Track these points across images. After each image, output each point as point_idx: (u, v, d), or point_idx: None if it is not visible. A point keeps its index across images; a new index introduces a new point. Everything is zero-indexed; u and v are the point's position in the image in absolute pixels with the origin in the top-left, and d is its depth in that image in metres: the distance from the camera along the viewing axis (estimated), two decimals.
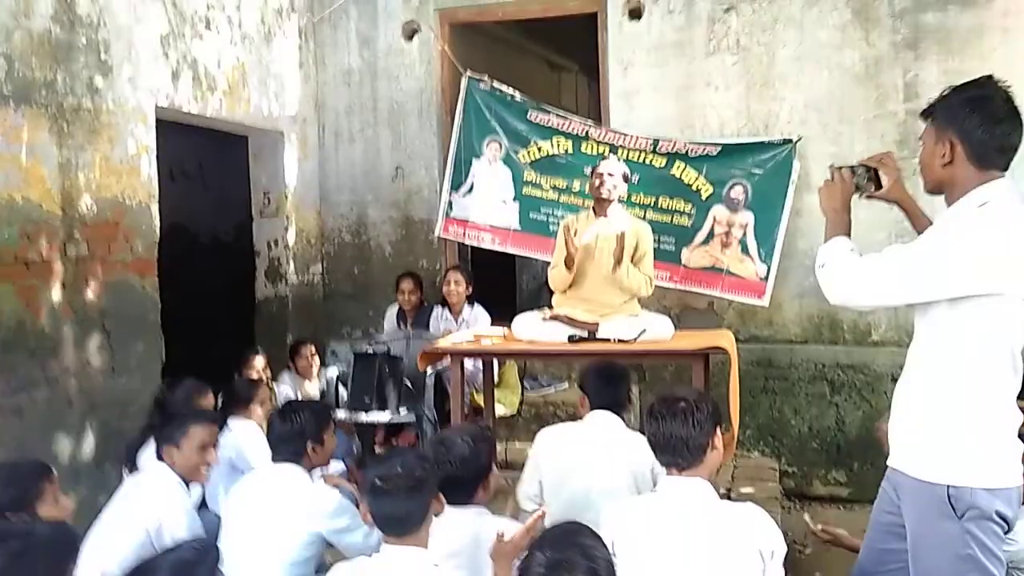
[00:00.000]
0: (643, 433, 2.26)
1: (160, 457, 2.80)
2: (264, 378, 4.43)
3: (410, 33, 5.81)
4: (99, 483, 3.82)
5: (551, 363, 5.23)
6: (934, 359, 2.08)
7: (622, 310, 4.05)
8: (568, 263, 4.06)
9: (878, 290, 2.09)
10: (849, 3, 5.08)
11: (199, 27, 4.75)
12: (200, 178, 5.25)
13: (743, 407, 3.97)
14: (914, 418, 2.12)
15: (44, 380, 3.70)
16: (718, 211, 5.07)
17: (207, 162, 5.31)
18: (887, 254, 2.08)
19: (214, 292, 5.27)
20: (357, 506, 2.63)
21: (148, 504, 2.65)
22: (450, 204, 5.49)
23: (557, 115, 5.28)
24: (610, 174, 4.12)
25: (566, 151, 5.24)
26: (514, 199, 5.38)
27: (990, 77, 2.08)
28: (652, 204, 5.13)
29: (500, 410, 4.81)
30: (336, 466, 3.68)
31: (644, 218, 5.00)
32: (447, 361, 4.16)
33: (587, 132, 5.22)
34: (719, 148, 5.05)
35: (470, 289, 5.17)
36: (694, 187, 5.08)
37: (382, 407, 4.36)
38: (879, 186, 2.32)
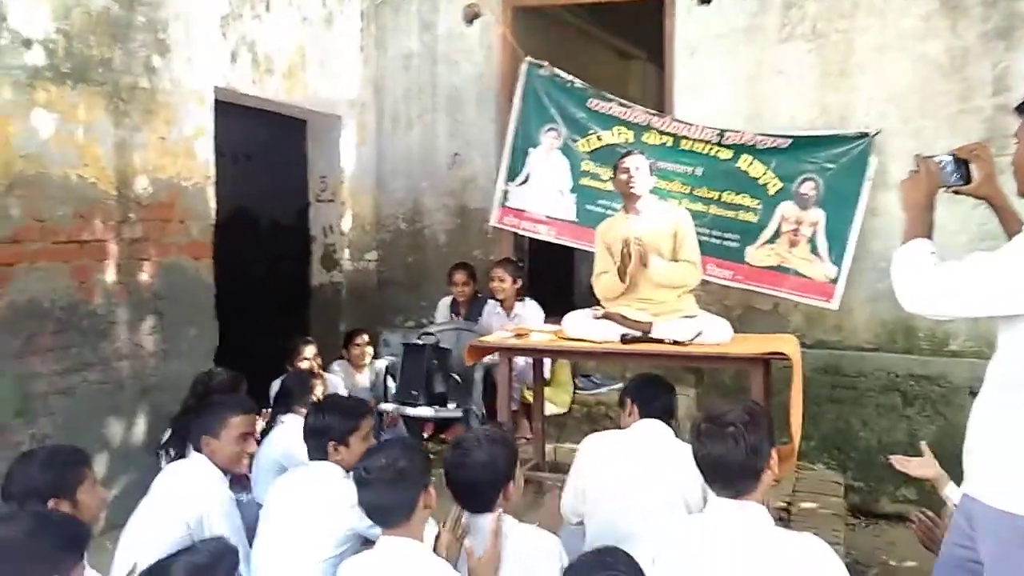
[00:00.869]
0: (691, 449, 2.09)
1: (198, 448, 2.75)
2: (314, 367, 4.38)
3: (471, 17, 5.69)
4: (150, 468, 3.82)
5: (604, 362, 5.07)
6: (1019, 378, 1.91)
7: (678, 308, 3.88)
8: (620, 276, 3.90)
9: (958, 300, 1.93)
10: None
11: (259, 8, 4.73)
12: (258, 161, 5.24)
13: (807, 416, 3.76)
14: (994, 442, 1.94)
15: (97, 362, 3.73)
16: (786, 208, 4.83)
17: (265, 145, 5.30)
18: (970, 261, 1.92)
19: (270, 277, 5.27)
20: None
21: (188, 497, 2.61)
22: (506, 193, 5.37)
23: (619, 103, 5.11)
24: (637, 168, 3.95)
25: (627, 141, 5.06)
26: (571, 190, 5.24)
27: None
28: (716, 199, 4.92)
29: (551, 408, 4.68)
30: None
31: (706, 214, 4.81)
32: (497, 356, 4.06)
33: (649, 122, 5.04)
34: (790, 141, 4.81)
35: (518, 283, 5.04)
36: (761, 182, 4.85)
37: (430, 401, 4.28)
38: (968, 180, 2.13)
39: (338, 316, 5.60)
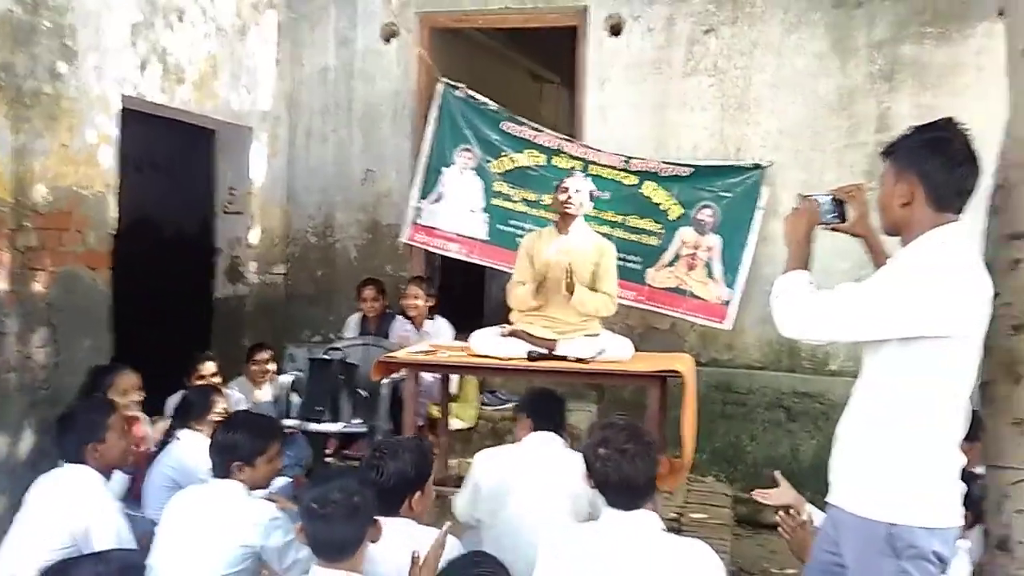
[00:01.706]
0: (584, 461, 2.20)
1: (78, 458, 2.70)
2: (212, 384, 4.30)
3: (388, 35, 5.75)
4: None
5: (510, 378, 5.16)
6: (881, 397, 2.07)
7: (581, 328, 4.00)
8: (536, 288, 4.00)
9: (830, 326, 2.08)
10: (828, 32, 5.10)
11: (171, 17, 4.66)
12: (165, 171, 5.14)
13: (700, 431, 3.94)
14: (857, 455, 2.10)
15: None
16: (686, 233, 5.06)
17: (172, 155, 5.20)
18: (840, 291, 2.07)
19: (172, 288, 5.14)
20: None
21: (72, 507, 2.55)
22: (418, 211, 5.43)
23: (531, 127, 5.24)
24: (577, 190, 4.06)
25: (538, 164, 5.20)
26: (483, 209, 5.34)
27: (950, 119, 2.08)
28: (621, 223, 5.11)
29: (457, 424, 4.74)
30: (280, 482, 3.48)
31: (612, 237, 4.97)
32: (404, 372, 4.09)
33: (560, 146, 5.19)
34: (691, 169, 5.05)
35: (431, 302, 5.09)
36: (663, 207, 5.07)
37: (335, 417, 4.27)
38: (844, 219, 2.29)
39: (241, 329, 5.52)
